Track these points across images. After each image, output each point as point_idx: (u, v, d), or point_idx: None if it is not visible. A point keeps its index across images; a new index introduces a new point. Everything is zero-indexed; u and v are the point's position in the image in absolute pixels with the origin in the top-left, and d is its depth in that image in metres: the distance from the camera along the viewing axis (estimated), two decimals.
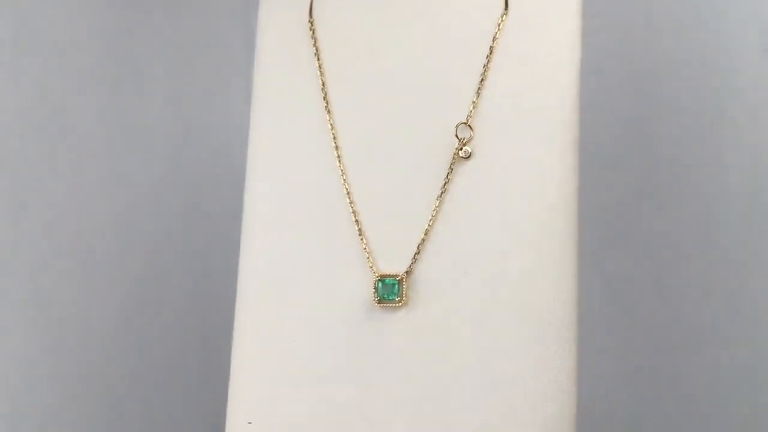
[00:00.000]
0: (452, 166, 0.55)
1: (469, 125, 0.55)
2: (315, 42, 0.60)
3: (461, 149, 0.55)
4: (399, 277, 0.53)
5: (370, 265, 0.55)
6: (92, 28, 0.92)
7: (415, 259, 0.54)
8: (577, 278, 0.54)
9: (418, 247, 0.54)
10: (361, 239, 0.55)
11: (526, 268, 0.54)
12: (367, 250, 0.55)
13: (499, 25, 0.57)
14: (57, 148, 0.89)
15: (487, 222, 0.54)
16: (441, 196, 0.55)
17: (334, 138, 0.58)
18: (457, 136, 0.55)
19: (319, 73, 0.59)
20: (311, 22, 0.61)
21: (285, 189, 0.58)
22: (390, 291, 0.53)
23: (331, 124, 0.58)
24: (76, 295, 0.90)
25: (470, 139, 0.55)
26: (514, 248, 0.54)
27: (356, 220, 0.56)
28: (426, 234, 0.54)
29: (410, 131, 0.57)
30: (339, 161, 0.57)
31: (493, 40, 0.57)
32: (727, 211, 0.90)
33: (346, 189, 0.56)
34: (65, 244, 0.89)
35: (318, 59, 0.60)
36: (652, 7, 0.92)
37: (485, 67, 0.56)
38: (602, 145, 0.93)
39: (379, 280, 0.54)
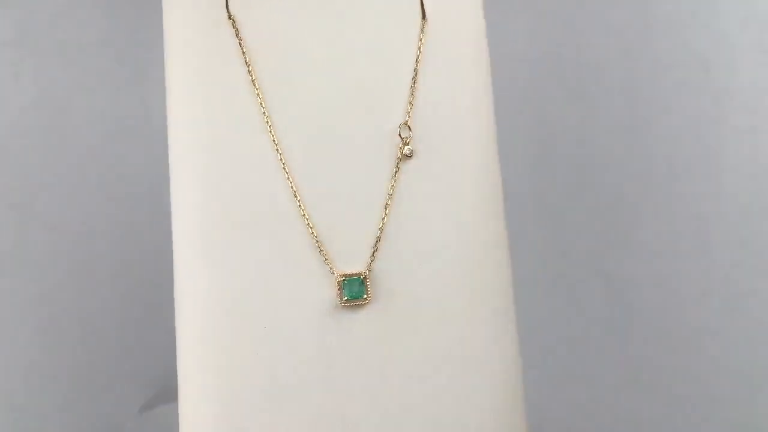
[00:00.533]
0: (399, 165, 0.57)
1: (408, 126, 0.57)
2: (241, 42, 0.57)
3: (404, 148, 0.57)
4: (363, 275, 0.54)
5: (330, 266, 0.55)
6: (93, 28, 0.92)
7: (373, 257, 0.55)
8: (510, 263, 0.60)
9: (376, 245, 0.55)
10: (316, 241, 0.55)
11: (469, 258, 0.58)
12: (325, 252, 0.55)
13: (422, 29, 0.59)
14: (58, 148, 0.89)
15: (432, 216, 0.57)
16: (392, 195, 0.56)
17: (275, 140, 0.56)
18: (400, 135, 0.57)
19: (251, 76, 0.57)
20: (233, 22, 0.58)
21: (226, 195, 0.55)
22: (357, 290, 0.54)
23: (269, 126, 0.56)
24: (75, 294, 0.90)
25: (410, 138, 0.57)
26: (458, 239, 0.57)
27: (308, 223, 0.55)
28: (381, 231, 0.56)
29: (350, 132, 0.57)
30: (283, 164, 0.56)
31: (420, 47, 0.59)
32: (725, 211, 0.90)
33: (294, 191, 0.55)
34: (64, 243, 0.89)
35: (246, 59, 0.57)
36: (560, 8, 0.94)
37: (416, 70, 0.59)
38: (521, 140, 0.95)
39: (344, 279, 0.54)
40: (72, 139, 0.90)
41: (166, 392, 0.94)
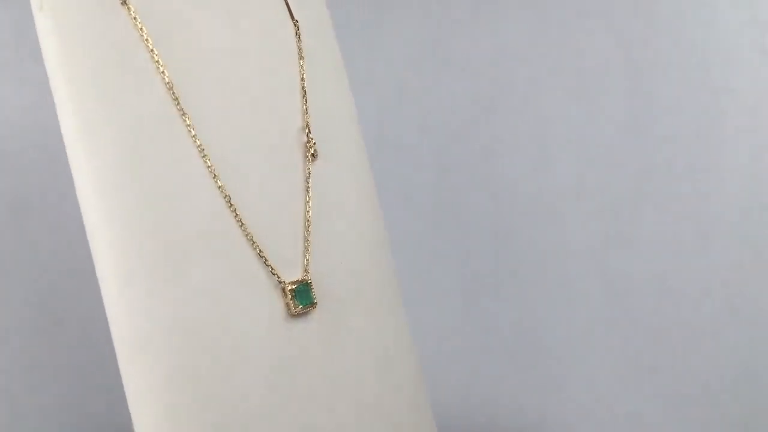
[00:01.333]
0: (309, 168, 0.55)
1: (308, 127, 0.57)
2: (146, 37, 0.48)
3: (312, 149, 0.56)
4: (309, 281, 0.52)
5: (277, 275, 0.51)
6: None
7: (308, 260, 0.53)
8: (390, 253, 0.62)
9: (308, 248, 0.53)
10: (260, 251, 0.51)
11: (373, 253, 0.59)
12: (269, 263, 0.51)
13: (297, 30, 0.58)
14: (58, 148, 0.89)
15: (339, 215, 0.57)
16: (309, 198, 0.55)
17: (201, 146, 0.49)
18: (308, 136, 0.56)
19: (163, 75, 0.48)
20: (129, 9, 0.48)
21: (153, 209, 0.46)
22: (307, 297, 0.52)
23: (190, 129, 0.49)
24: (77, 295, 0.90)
25: (314, 139, 0.57)
26: (363, 236, 0.58)
27: (248, 233, 0.50)
28: (309, 234, 0.54)
29: (261, 134, 0.54)
30: (213, 172, 0.49)
31: (299, 46, 0.58)
32: (725, 211, 0.90)
33: (228, 200, 0.50)
34: (64, 244, 0.89)
35: (155, 56, 0.48)
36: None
37: (302, 67, 0.58)
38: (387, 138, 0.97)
39: (296, 287, 0.51)
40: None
41: None
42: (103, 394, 0.92)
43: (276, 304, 0.51)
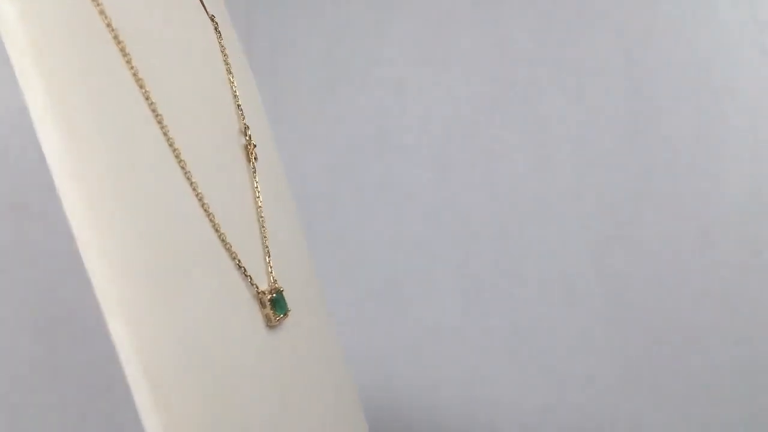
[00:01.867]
0: (254, 170, 0.53)
1: (248, 129, 0.54)
2: (114, 30, 0.43)
3: (253, 151, 0.54)
4: (282, 289, 0.50)
5: (255, 285, 0.48)
6: None
7: (271, 268, 0.51)
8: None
9: (269, 254, 0.51)
10: (239, 262, 0.48)
11: (305, 250, 0.60)
12: (248, 273, 0.48)
13: (216, 28, 0.56)
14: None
15: (281, 216, 0.56)
16: (261, 204, 0.52)
17: (176, 150, 0.45)
18: (250, 138, 0.54)
19: (134, 78, 0.44)
20: (100, 7, 0.43)
21: (142, 221, 0.42)
22: (283, 305, 0.50)
23: (165, 132, 0.45)
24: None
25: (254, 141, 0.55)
26: (298, 235, 0.58)
27: (225, 242, 0.47)
28: (267, 240, 0.52)
29: (213, 136, 0.51)
30: (189, 178, 0.46)
31: (220, 41, 0.56)
32: (725, 212, 0.90)
33: (206, 209, 0.46)
34: (63, 244, 0.89)
35: (125, 56, 0.43)
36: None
37: (227, 63, 0.56)
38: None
39: (273, 296, 0.49)
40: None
41: None
42: (103, 394, 0.92)
43: (256, 315, 0.48)
